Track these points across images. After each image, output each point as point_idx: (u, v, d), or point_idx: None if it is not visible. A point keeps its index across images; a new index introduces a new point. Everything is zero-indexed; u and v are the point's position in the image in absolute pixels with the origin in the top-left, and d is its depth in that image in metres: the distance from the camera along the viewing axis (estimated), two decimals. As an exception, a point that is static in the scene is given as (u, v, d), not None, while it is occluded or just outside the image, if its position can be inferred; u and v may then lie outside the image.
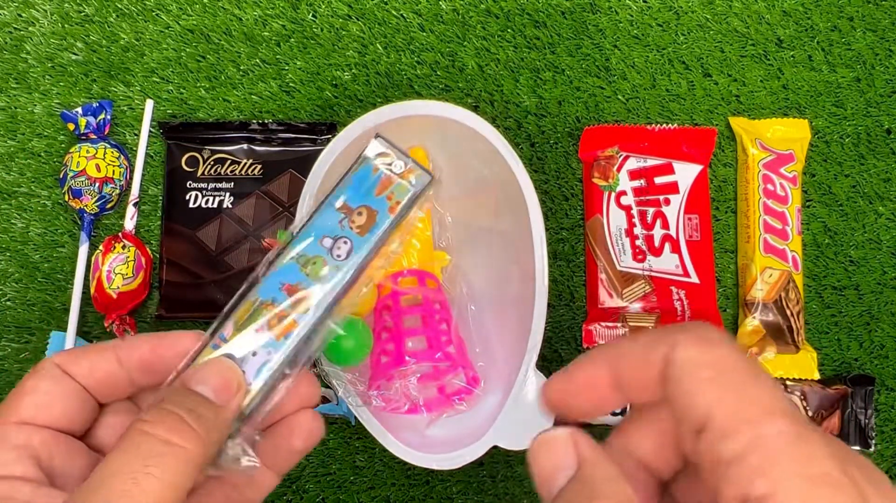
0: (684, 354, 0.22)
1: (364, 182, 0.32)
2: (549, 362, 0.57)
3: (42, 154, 0.60)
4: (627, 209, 0.58)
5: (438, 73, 0.60)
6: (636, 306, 0.57)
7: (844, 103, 0.60)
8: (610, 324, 0.56)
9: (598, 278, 0.58)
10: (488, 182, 0.52)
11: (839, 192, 0.60)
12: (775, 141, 0.59)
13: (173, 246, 0.58)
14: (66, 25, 0.61)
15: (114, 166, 0.58)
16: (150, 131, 0.60)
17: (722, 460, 0.20)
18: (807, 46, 0.61)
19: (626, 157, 0.59)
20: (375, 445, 0.55)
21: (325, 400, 0.55)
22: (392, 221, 0.32)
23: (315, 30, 0.61)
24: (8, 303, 0.58)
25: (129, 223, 0.58)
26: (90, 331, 0.58)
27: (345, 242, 0.31)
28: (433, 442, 0.50)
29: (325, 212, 0.32)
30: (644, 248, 0.58)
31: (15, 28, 0.61)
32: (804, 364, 0.57)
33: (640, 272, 0.58)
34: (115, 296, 0.56)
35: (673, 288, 0.57)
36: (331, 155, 0.49)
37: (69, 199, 0.57)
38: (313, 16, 0.61)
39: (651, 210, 0.58)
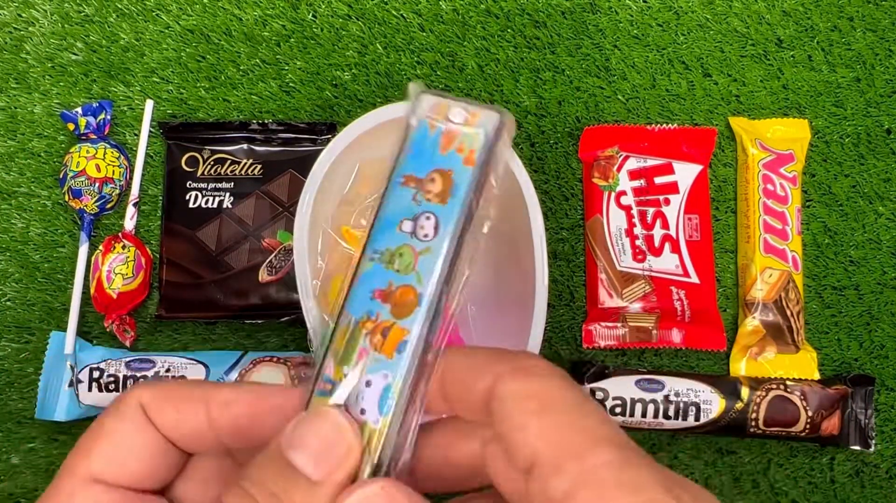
0: (508, 388, 0.21)
1: (423, 145, 0.26)
2: (549, 362, 0.57)
3: (42, 154, 0.60)
4: (627, 209, 0.58)
5: (438, 73, 0.60)
6: (636, 306, 0.57)
7: (844, 103, 0.60)
8: (610, 324, 0.56)
9: (598, 278, 0.58)
10: (488, 182, 0.52)
11: (839, 192, 0.60)
12: (775, 141, 0.59)
13: (173, 246, 0.58)
14: (66, 25, 0.61)
15: (114, 166, 0.58)
16: (150, 131, 0.60)
17: (553, 501, 0.19)
18: (807, 46, 0.61)
19: (626, 157, 0.59)
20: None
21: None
22: (473, 174, 0.25)
23: (315, 30, 0.61)
24: (8, 303, 0.58)
25: (129, 223, 0.58)
26: (90, 331, 0.58)
27: (427, 218, 0.25)
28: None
29: (393, 193, 0.26)
30: (644, 248, 0.58)
31: (15, 28, 0.61)
32: (804, 364, 0.57)
33: (640, 272, 0.58)
34: (114, 296, 0.56)
35: (673, 288, 0.57)
36: (331, 155, 0.49)
37: (69, 198, 0.57)
38: (313, 16, 0.61)
39: (651, 210, 0.58)
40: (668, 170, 0.59)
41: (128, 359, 0.55)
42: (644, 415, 0.54)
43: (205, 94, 0.60)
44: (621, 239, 0.58)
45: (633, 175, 0.59)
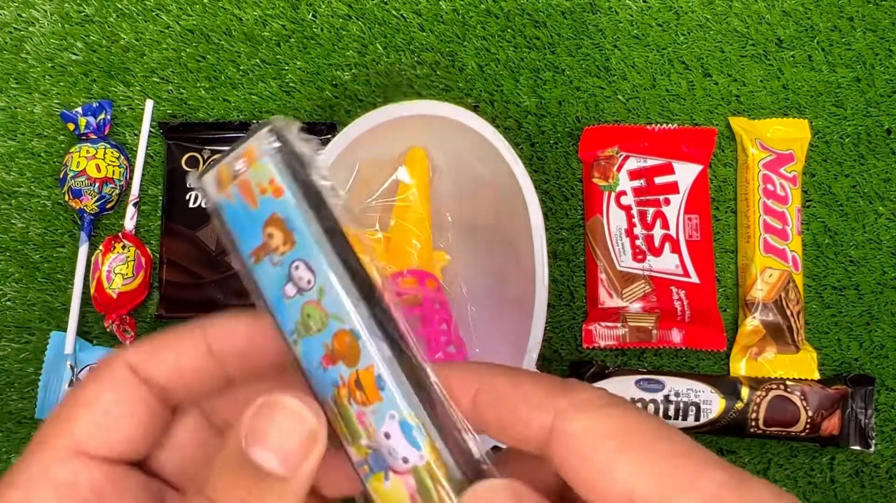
0: (575, 426, 0.20)
1: (237, 217, 0.24)
2: (549, 362, 0.57)
3: (42, 154, 0.60)
4: (627, 209, 0.58)
5: (438, 73, 0.60)
6: (636, 306, 0.57)
7: (844, 103, 0.60)
8: (610, 324, 0.56)
9: (598, 278, 0.58)
10: (488, 182, 0.52)
11: (839, 192, 0.60)
12: (775, 141, 0.59)
13: (173, 246, 0.58)
14: (66, 25, 0.61)
15: (114, 166, 0.58)
16: (150, 131, 0.60)
17: None
18: (807, 46, 0.61)
19: (626, 157, 0.59)
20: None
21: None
22: (291, 199, 0.23)
23: (315, 30, 0.61)
24: (8, 303, 0.58)
25: (129, 223, 0.58)
26: (90, 331, 0.58)
27: (296, 268, 0.23)
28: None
29: (257, 275, 0.24)
30: (644, 247, 0.58)
31: (15, 28, 0.61)
32: (804, 364, 0.57)
33: (640, 272, 0.58)
34: (114, 296, 0.56)
35: (673, 288, 0.57)
36: (330, 155, 0.49)
37: (69, 198, 0.57)
38: (313, 16, 0.61)
39: (651, 210, 0.58)
40: (668, 170, 0.59)
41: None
42: (644, 415, 0.54)
43: (205, 94, 0.60)
44: (621, 239, 0.58)
45: (633, 175, 0.59)
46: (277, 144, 0.23)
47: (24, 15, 0.61)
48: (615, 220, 0.58)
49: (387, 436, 0.22)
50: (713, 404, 0.54)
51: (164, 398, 0.24)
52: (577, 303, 0.59)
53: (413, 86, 0.60)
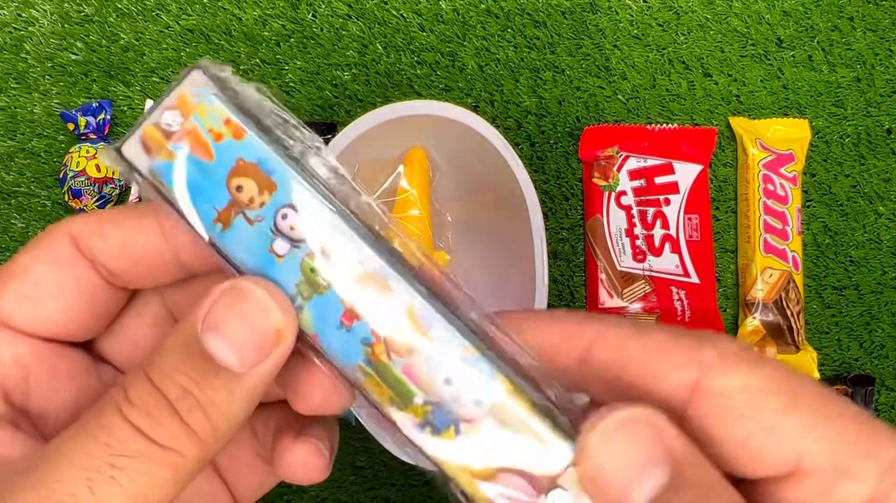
0: (730, 383, 0.17)
1: (186, 176, 0.19)
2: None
3: (42, 154, 0.60)
4: (627, 209, 0.58)
5: (438, 73, 0.60)
6: (636, 306, 0.57)
7: (844, 103, 0.60)
8: (610, 325, 0.56)
9: (598, 278, 0.58)
10: (488, 182, 0.52)
11: (839, 192, 0.60)
12: (775, 141, 0.59)
13: (173, 246, 0.58)
14: (66, 25, 0.61)
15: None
16: (150, 131, 0.60)
17: None
18: (807, 46, 0.61)
19: (626, 157, 0.59)
20: (375, 445, 0.55)
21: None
22: (255, 137, 0.19)
23: (315, 30, 0.61)
24: (8, 303, 0.58)
25: (129, 223, 0.58)
26: (90, 332, 0.58)
27: (283, 217, 0.19)
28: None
29: (230, 246, 0.19)
30: (644, 247, 0.58)
31: (15, 28, 0.61)
32: (804, 364, 0.57)
33: (640, 272, 0.58)
34: (114, 296, 0.56)
35: (673, 288, 0.57)
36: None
37: (69, 199, 0.57)
38: (313, 16, 0.61)
39: (651, 210, 0.58)
40: (669, 170, 0.59)
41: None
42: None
43: (205, 94, 0.60)
44: (621, 239, 0.58)
45: (634, 175, 0.59)
46: (218, 81, 0.20)
47: (23, 15, 0.61)
48: (615, 220, 0.58)
49: (447, 381, 0.19)
50: (713, 404, 0.54)
51: (112, 279, 0.21)
52: (577, 304, 0.59)
53: (413, 86, 0.60)
